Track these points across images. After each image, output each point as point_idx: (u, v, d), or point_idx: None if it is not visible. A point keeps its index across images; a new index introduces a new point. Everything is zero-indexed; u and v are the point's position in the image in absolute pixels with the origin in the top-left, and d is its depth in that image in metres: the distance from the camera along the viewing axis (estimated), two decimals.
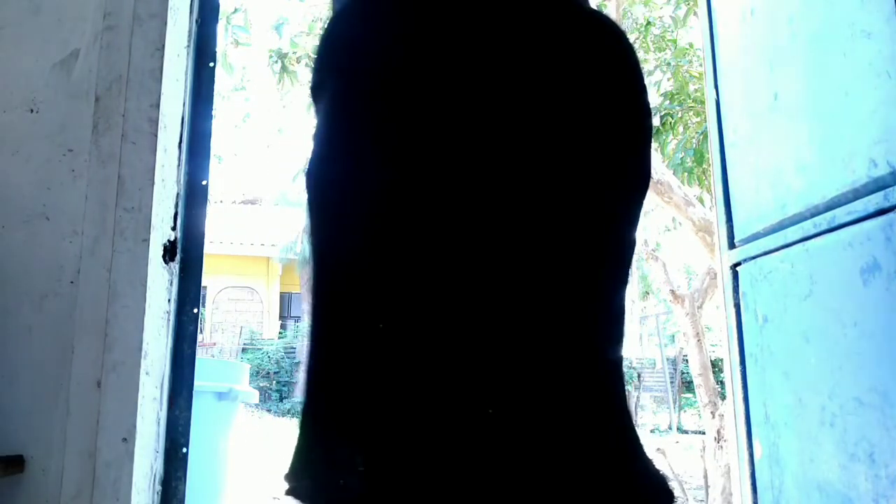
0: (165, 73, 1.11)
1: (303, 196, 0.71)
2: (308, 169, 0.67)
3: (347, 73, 0.67)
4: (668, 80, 4.80)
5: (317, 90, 0.70)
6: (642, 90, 0.72)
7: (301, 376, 0.68)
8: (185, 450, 1.10)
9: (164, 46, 1.11)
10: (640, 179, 0.70)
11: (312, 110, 0.71)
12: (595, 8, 0.76)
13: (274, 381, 12.71)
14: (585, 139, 0.66)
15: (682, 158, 3.80)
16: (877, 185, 0.99)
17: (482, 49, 0.65)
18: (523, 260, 0.62)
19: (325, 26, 0.73)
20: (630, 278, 0.69)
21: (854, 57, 1.04)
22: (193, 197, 1.18)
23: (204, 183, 1.19)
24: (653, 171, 3.86)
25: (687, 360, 7.95)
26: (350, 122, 0.66)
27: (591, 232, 0.65)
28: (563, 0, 0.72)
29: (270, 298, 16.34)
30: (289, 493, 0.64)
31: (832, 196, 1.10)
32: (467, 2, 0.67)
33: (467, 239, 0.60)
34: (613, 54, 0.71)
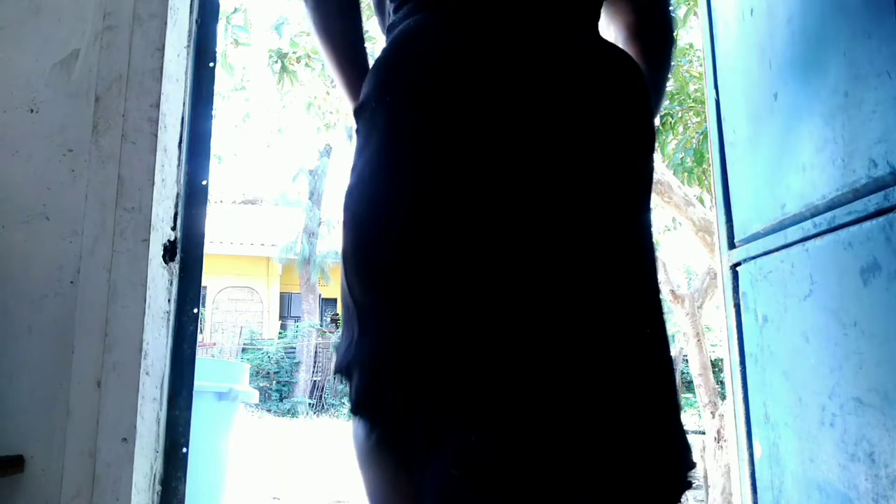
0: (165, 73, 1.11)
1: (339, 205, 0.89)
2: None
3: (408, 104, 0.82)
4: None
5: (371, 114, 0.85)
6: (652, 109, 0.90)
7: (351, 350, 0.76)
8: (185, 450, 1.10)
9: (164, 46, 1.11)
10: (651, 177, 0.89)
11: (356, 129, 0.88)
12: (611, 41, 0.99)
13: (274, 381, 12.70)
14: (613, 152, 0.84)
15: (682, 158, 3.80)
16: (877, 185, 0.99)
17: (521, 85, 0.81)
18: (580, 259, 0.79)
19: (384, 56, 0.88)
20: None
21: (854, 57, 1.04)
22: (193, 197, 1.18)
23: (204, 183, 1.19)
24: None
25: (687, 360, 7.96)
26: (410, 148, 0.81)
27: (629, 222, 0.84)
28: (588, 37, 0.90)
29: (270, 298, 16.34)
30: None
31: (832, 196, 1.10)
32: (507, 45, 0.83)
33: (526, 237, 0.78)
34: (631, 83, 0.88)
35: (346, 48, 1.02)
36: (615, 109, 0.85)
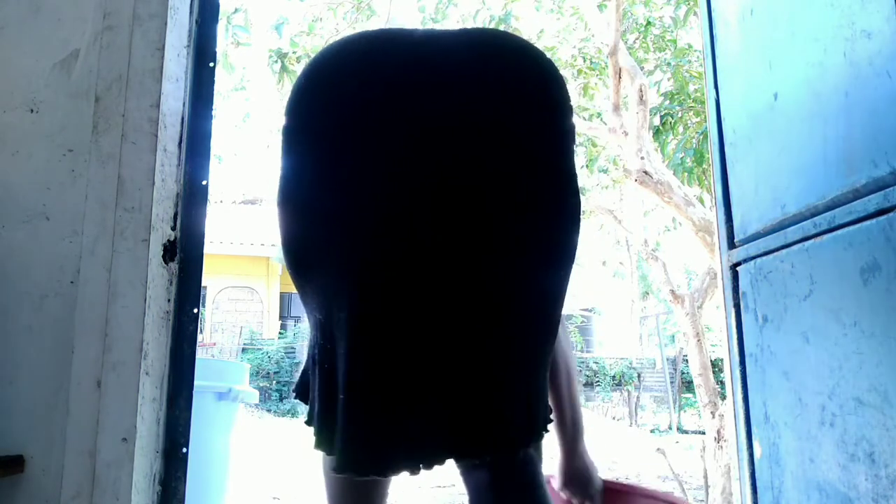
0: (165, 73, 1.11)
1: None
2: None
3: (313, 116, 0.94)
4: (668, 80, 4.80)
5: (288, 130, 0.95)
6: (558, 103, 0.95)
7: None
8: (185, 450, 1.10)
9: (164, 46, 1.11)
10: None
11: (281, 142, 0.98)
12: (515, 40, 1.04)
13: (274, 381, 12.70)
14: (513, 150, 0.91)
15: (682, 158, 3.80)
16: (877, 185, 0.99)
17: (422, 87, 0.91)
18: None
19: (296, 81, 0.97)
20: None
21: (854, 57, 1.04)
22: (193, 197, 1.18)
23: (204, 183, 1.19)
24: (653, 171, 3.87)
25: (687, 360, 7.95)
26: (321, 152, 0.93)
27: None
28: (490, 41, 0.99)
29: (270, 298, 16.33)
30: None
31: (832, 196, 1.10)
32: (410, 55, 0.93)
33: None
34: (532, 78, 0.95)
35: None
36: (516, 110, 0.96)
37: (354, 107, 0.92)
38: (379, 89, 0.92)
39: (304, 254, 0.93)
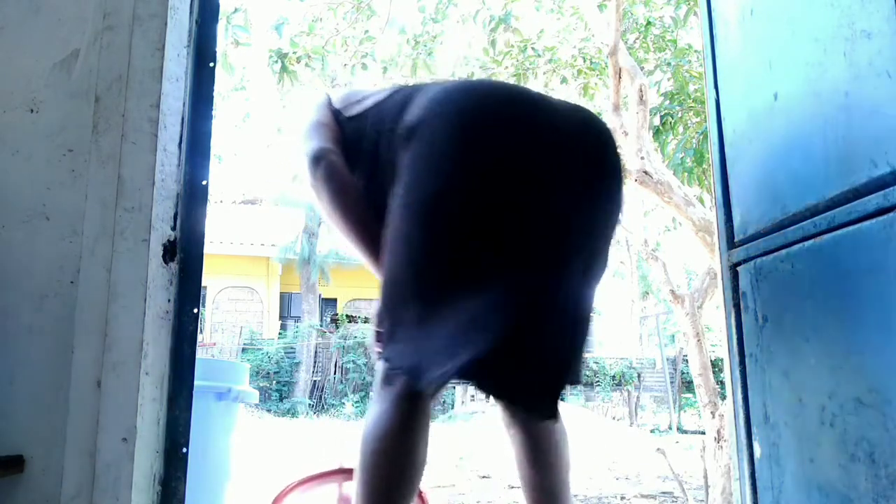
0: (165, 73, 1.11)
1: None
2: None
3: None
4: (668, 80, 4.80)
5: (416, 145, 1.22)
6: (619, 173, 1.32)
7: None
8: (185, 450, 1.10)
9: (164, 46, 1.11)
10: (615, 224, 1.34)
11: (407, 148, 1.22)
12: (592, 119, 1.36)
13: (274, 381, 12.70)
14: (594, 209, 1.26)
15: (682, 158, 3.80)
16: (877, 185, 0.99)
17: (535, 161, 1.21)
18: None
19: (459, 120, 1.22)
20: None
21: (854, 57, 1.04)
22: (193, 197, 1.18)
23: (204, 183, 1.19)
24: (653, 171, 3.87)
25: (687, 360, 7.96)
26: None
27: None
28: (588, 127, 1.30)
29: (270, 298, 16.34)
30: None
31: (832, 196, 1.10)
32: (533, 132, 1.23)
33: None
34: (607, 154, 1.30)
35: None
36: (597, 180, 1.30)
37: (505, 156, 1.21)
38: (525, 145, 1.22)
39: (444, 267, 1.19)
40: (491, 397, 1.26)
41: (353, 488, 1.24)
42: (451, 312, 1.15)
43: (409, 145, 1.23)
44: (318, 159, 1.37)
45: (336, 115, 1.48)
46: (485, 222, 1.18)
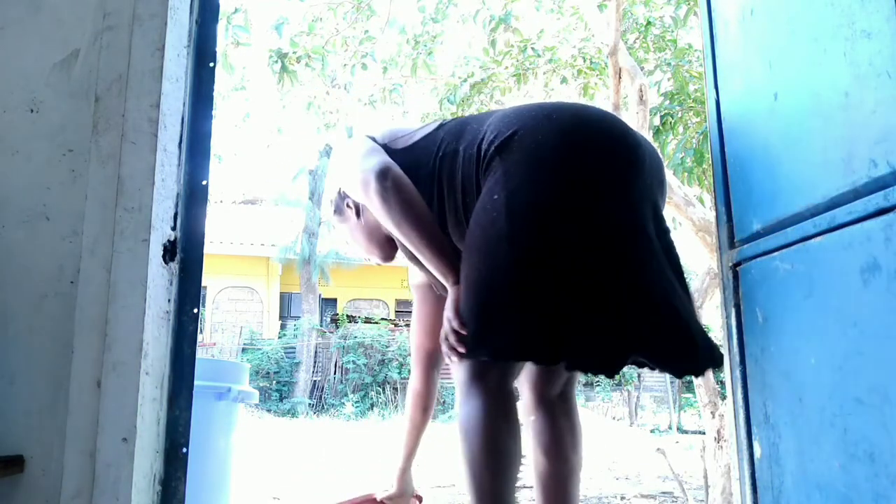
0: (165, 73, 1.11)
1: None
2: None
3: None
4: (668, 80, 4.80)
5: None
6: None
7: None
8: (185, 450, 1.10)
9: (164, 46, 1.11)
10: None
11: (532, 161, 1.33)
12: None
13: (274, 381, 12.70)
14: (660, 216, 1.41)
15: (682, 158, 3.79)
16: (877, 185, 0.99)
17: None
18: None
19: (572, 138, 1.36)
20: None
21: (854, 57, 1.04)
22: (193, 197, 1.18)
23: (204, 183, 1.19)
24: None
25: None
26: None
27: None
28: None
29: (270, 298, 16.34)
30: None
31: (832, 196, 1.10)
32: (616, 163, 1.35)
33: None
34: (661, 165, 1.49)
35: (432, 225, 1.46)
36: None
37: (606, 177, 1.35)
38: (622, 163, 1.36)
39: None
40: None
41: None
42: (569, 305, 1.24)
43: (506, 156, 1.33)
44: (386, 170, 1.44)
45: (383, 148, 1.56)
46: (589, 223, 1.28)
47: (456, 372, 1.35)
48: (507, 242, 1.27)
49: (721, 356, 1.37)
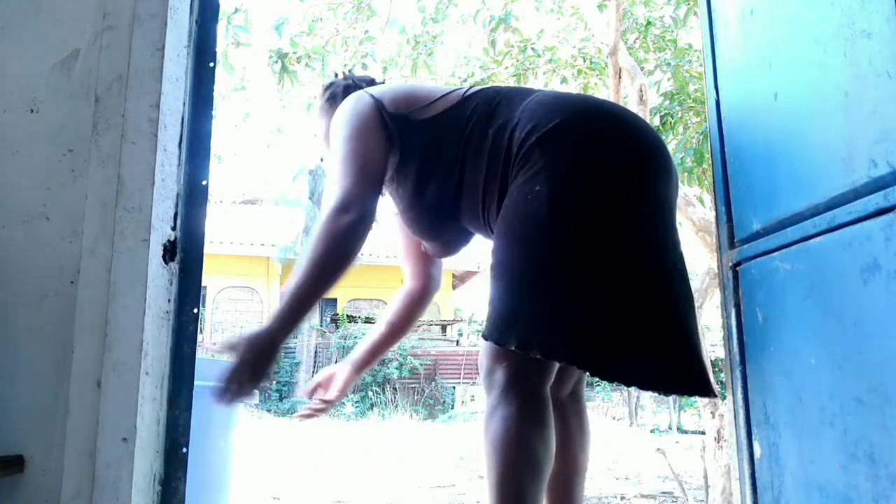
0: (165, 73, 1.11)
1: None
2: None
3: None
4: (668, 80, 4.80)
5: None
6: None
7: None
8: (185, 450, 1.10)
9: (164, 46, 1.11)
10: None
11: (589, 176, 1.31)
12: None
13: (274, 381, 12.70)
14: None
15: (682, 158, 3.79)
16: (877, 185, 0.99)
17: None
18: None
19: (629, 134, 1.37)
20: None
21: (854, 57, 1.05)
22: (193, 197, 1.18)
23: (204, 183, 1.19)
24: None
25: None
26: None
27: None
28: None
29: (270, 298, 16.33)
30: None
31: (832, 196, 1.10)
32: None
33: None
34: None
35: (340, 277, 1.37)
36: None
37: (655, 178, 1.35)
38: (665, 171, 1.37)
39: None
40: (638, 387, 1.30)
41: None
42: (604, 308, 1.23)
43: (548, 148, 1.30)
44: (365, 216, 1.37)
45: (392, 119, 1.47)
46: (631, 227, 1.29)
47: (492, 374, 1.30)
48: (549, 236, 1.26)
49: (707, 386, 1.35)
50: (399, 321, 1.73)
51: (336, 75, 1.80)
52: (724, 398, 3.06)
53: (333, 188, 1.42)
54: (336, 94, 1.69)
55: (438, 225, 1.55)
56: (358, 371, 1.72)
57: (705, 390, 1.31)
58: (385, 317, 1.74)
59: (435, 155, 1.45)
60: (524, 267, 1.28)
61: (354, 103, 1.51)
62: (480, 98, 1.48)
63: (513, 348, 1.22)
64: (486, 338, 1.28)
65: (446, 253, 1.69)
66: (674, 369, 1.27)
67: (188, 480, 1.11)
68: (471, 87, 1.54)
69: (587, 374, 1.50)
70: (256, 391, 1.35)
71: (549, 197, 1.26)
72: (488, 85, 1.82)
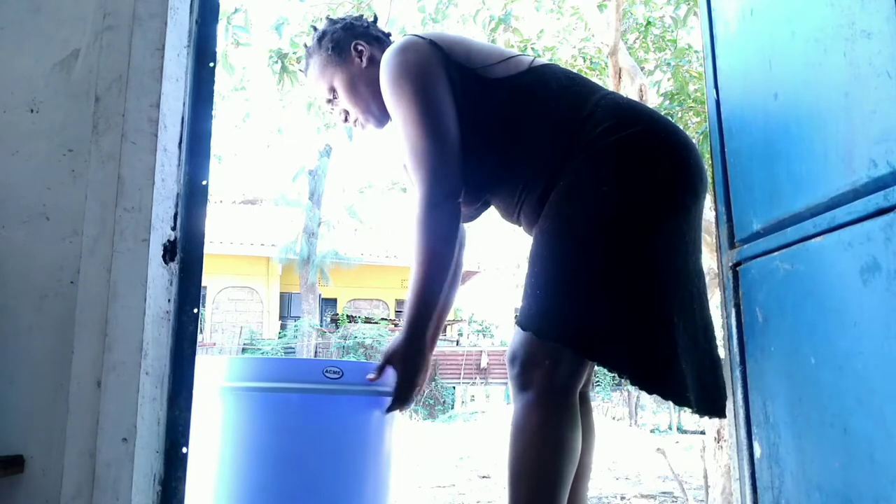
0: (165, 73, 1.11)
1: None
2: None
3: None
4: (668, 80, 4.80)
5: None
6: None
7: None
8: (185, 450, 1.10)
9: (164, 46, 1.11)
10: None
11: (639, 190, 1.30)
12: None
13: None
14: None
15: None
16: (877, 185, 0.99)
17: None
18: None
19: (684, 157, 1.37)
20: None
21: (854, 57, 1.04)
22: (193, 197, 1.18)
23: (204, 183, 1.19)
24: None
25: None
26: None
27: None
28: None
29: (270, 298, 16.34)
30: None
31: (832, 196, 1.10)
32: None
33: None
34: None
35: (445, 277, 1.38)
36: None
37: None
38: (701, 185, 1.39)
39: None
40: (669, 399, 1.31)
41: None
42: (676, 322, 1.26)
43: (623, 150, 1.28)
44: (457, 194, 1.33)
45: (460, 72, 1.35)
46: (684, 247, 1.33)
47: (529, 371, 1.25)
48: (612, 242, 1.25)
49: (717, 405, 1.36)
50: (448, 298, 1.66)
51: (315, 28, 1.62)
52: None
53: (411, 163, 1.33)
54: (339, 40, 1.51)
55: (467, 197, 1.44)
56: (433, 343, 1.60)
57: (722, 412, 1.34)
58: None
59: (491, 121, 1.36)
60: (583, 266, 1.25)
61: (411, 52, 1.35)
62: (550, 74, 1.39)
63: (553, 342, 1.21)
64: (525, 328, 1.24)
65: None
66: (702, 391, 1.30)
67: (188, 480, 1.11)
68: (535, 58, 1.44)
69: (593, 375, 1.54)
70: (416, 398, 1.42)
71: (621, 202, 1.26)
72: (553, 62, 1.66)
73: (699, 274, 1.37)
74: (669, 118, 4.13)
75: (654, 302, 1.25)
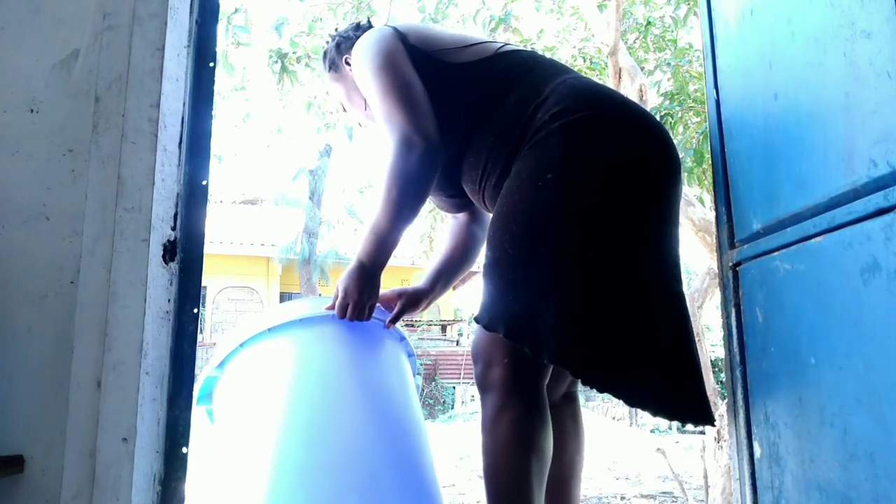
0: (165, 73, 1.11)
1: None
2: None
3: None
4: (668, 80, 4.80)
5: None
6: None
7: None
8: (185, 450, 1.10)
9: (164, 46, 1.11)
10: None
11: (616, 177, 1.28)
12: None
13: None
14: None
15: (682, 158, 3.80)
16: (877, 185, 0.99)
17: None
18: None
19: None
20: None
21: (854, 57, 1.04)
22: (193, 197, 1.18)
23: (204, 183, 1.19)
24: None
25: None
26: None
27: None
28: None
29: (270, 298, 16.33)
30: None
31: (832, 196, 1.10)
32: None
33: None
34: None
35: (416, 213, 1.38)
36: None
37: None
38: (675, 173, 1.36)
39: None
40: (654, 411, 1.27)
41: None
42: (659, 315, 1.24)
43: (570, 136, 1.25)
44: (430, 145, 1.32)
45: (415, 53, 1.40)
46: (644, 236, 1.28)
47: (489, 369, 1.25)
48: (555, 231, 1.22)
49: (705, 413, 1.32)
50: (457, 254, 1.67)
51: (327, 43, 1.74)
52: (724, 398, 3.05)
53: (387, 129, 1.36)
54: (333, 59, 1.64)
55: (441, 180, 1.47)
56: (440, 291, 1.66)
57: (704, 417, 1.28)
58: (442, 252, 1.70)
59: (451, 105, 1.38)
60: (524, 256, 1.22)
61: (375, 36, 1.44)
62: (514, 60, 1.41)
63: (502, 335, 1.19)
64: (478, 321, 1.24)
65: (451, 209, 1.64)
66: (673, 391, 1.25)
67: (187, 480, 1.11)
68: (505, 44, 1.46)
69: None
70: (368, 310, 1.42)
71: (563, 189, 1.22)
72: (525, 48, 1.71)
73: (673, 263, 1.32)
74: (669, 116, 4.12)
75: (598, 292, 1.20)
